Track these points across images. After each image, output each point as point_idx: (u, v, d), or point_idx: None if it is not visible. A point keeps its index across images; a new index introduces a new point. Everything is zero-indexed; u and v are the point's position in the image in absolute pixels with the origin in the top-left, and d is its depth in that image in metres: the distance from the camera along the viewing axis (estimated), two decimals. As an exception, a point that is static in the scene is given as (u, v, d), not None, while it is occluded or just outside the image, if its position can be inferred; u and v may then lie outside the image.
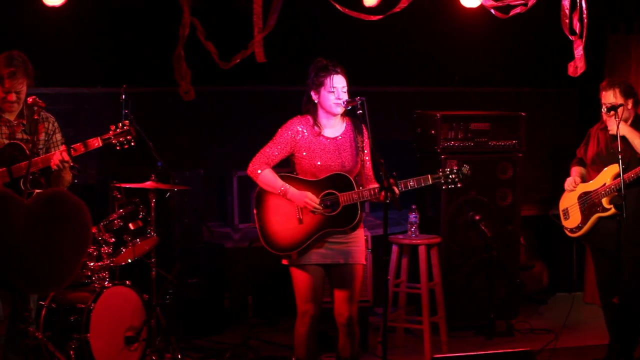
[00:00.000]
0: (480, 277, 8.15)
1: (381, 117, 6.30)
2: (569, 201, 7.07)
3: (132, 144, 6.19)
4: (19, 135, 6.11)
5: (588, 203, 6.90)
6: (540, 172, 9.63)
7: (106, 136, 6.14)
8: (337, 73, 6.03)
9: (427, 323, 7.44)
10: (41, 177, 6.09)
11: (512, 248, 8.31)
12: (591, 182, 6.94)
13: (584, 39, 6.76)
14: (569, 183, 7.06)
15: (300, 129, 6.07)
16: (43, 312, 6.48)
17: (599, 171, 6.90)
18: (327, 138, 6.08)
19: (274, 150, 6.07)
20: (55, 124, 6.26)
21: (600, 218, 6.85)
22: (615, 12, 8.96)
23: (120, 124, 6.17)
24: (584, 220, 6.93)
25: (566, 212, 7.08)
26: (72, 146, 6.05)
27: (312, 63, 6.09)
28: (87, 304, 6.48)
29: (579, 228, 6.97)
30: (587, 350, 7.51)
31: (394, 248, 7.60)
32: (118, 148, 6.17)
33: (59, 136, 6.26)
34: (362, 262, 6.15)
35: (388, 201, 5.76)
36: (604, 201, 6.79)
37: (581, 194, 6.96)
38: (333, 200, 5.99)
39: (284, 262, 6.11)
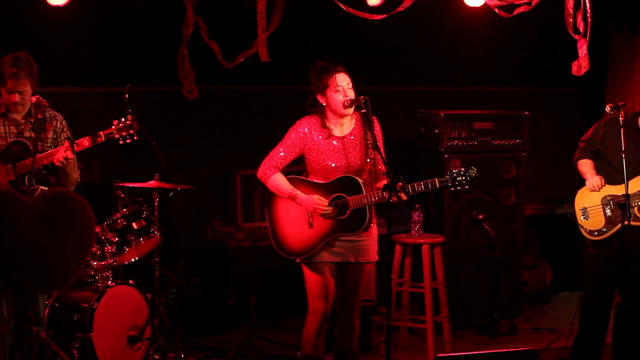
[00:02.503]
0: (484, 276, 8.14)
1: (384, 116, 6.26)
2: (590, 201, 6.60)
3: (135, 138, 6.17)
4: (27, 134, 6.12)
5: (616, 208, 6.47)
6: (544, 171, 9.62)
7: (108, 131, 6.13)
8: (339, 72, 5.99)
9: (430, 322, 7.44)
10: (50, 174, 6.10)
11: (515, 247, 8.30)
12: (622, 185, 6.37)
13: (587, 38, 6.75)
14: (595, 184, 6.56)
15: (308, 130, 6.04)
16: (46, 312, 6.48)
17: (621, 171, 6.33)
18: (337, 137, 6.04)
19: (282, 152, 6.04)
20: (64, 123, 6.27)
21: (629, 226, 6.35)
22: (619, 12, 8.95)
23: (123, 119, 6.17)
24: (609, 225, 6.52)
25: (585, 212, 6.61)
26: (75, 141, 6.05)
27: (311, 68, 6.05)
28: (91, 303, 6.48)
29: (601, 232, 6.53)
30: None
31: (397, 247, 7.59)
32: (121, 142, 6.16)
33: (66, 134, 6.27)
34: (373, 259, 6.13)
35: (394, 202, 5.73)
36: (637, 210, 6.40)
37: (607, 196, 6.54)
38: (342, 204, 5.96)
39: (297, 259, 6.11)
